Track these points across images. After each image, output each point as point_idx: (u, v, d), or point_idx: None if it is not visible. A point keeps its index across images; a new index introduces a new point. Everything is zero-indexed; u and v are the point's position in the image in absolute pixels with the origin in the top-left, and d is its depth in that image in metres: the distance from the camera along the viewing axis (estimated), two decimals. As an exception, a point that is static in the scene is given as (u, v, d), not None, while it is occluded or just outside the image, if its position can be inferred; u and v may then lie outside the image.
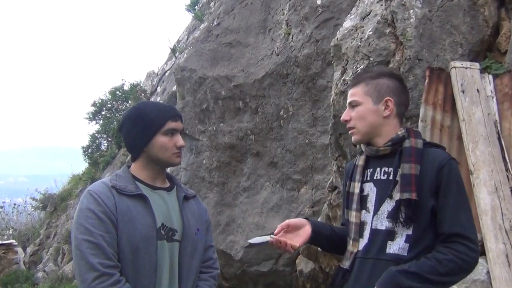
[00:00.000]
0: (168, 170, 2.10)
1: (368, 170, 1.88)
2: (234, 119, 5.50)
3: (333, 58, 3.76)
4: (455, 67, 3.22)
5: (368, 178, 1.87)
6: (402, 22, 3.30)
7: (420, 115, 3.13)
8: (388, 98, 1.84)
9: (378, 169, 1.85)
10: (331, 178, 4.20)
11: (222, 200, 5.61)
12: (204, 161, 5.87)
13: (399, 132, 1.84)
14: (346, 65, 3.53)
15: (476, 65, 3.28)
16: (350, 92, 1.92)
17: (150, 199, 1.85)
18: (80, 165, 12.67)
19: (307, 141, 4.79)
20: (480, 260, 2.67)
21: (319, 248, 4.23)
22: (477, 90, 3.19)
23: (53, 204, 12.15)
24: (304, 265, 4.66)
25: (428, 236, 1.72)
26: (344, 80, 3.47)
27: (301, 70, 4.77)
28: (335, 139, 3.72)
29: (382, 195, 1.80)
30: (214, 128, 5.70)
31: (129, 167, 1.98)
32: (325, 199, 4.31)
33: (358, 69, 3.35)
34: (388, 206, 1.77)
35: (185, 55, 6.35)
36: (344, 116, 1.90)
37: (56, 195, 12.43)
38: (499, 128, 3.12)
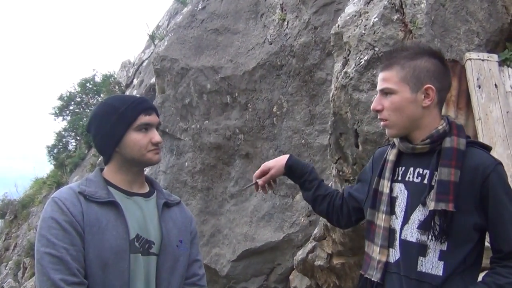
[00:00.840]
0: (146, 173, 2.08)
1: (400, 168, 1.82)
2: (221, 116, 5.48)
3: (334, 47, 3.76)
4: (470, 59, 3.23)
5: (399, 178, 1.81)
6: (412, 8, 3.30)
7: (431, 112, 3.13)
8: (429, 85, 1.74)
9: (412, 169, 1.78)
10: (330, 183, 4.20)
11: (206, 208, 5.59)
12: (186, 164, 5.85)
13: (440, 127, 1.76)
14: (348, 55, 3.52)
15: (494, 56, 3.30)
16: (381, 76, 1.80)
17: (123, 207, 1.83)
18: (45, 167, 12.62)
19: (303, 141, 4.79)
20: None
21: (315, 262, 4.28)
22: (495, 85, 3.21)
23: (13, 212, 12.07)
24: (298, 281, 4.66)
25: (467, 255, 1.68)
26: (345, 72, 3.46)
27: (297, 61, 4.76)
28: (335, 139, 3.72)
29: (414, 201, 1.74)
30: (198, 126, 5.68)
31: (102, 170, 1.96)
32: (323, 207, 4.31)
33: (361, 60, 3.35)
34: (419, 214, 1.72)
35: (166, 43, 6.32)
36: (375, 105, 1.80)
37: (17, 201, 12.35)
38: (519, 128, 3.14)
